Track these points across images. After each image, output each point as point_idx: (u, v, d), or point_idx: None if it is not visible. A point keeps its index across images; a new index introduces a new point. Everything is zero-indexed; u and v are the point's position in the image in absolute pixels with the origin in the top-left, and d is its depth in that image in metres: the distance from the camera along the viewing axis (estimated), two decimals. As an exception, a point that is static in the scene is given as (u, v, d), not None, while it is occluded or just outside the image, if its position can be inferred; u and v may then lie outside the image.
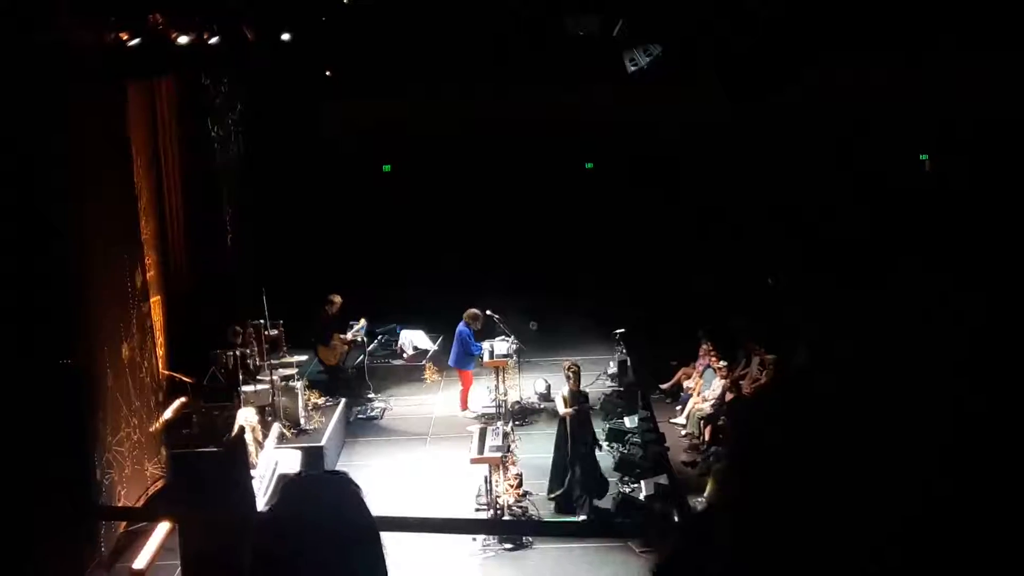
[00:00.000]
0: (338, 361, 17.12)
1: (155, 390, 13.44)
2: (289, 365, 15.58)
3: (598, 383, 17.29)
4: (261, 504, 11.04)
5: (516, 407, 16.11)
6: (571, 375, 13.35)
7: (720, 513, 1.18)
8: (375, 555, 2.22)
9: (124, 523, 11.90)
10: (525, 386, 16.81)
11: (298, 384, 15.20)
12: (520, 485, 12.84)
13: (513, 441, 13.85)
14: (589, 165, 22.67)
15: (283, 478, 12.55)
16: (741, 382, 15.83)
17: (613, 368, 17.37)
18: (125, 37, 12.21)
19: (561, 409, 13.14)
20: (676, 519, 11.85)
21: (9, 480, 9.48)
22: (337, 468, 14.23)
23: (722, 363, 15.57)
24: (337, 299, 17.01)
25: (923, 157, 22.26)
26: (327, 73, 17.92)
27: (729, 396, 15.02)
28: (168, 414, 13.84)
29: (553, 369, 17.94)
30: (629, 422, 15.03)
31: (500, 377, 15.63)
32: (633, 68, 14.80)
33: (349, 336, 17.30)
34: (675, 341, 17.46)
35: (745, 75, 10.03)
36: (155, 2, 12.44)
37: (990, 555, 1.03)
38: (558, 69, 18.34)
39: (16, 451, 9.70)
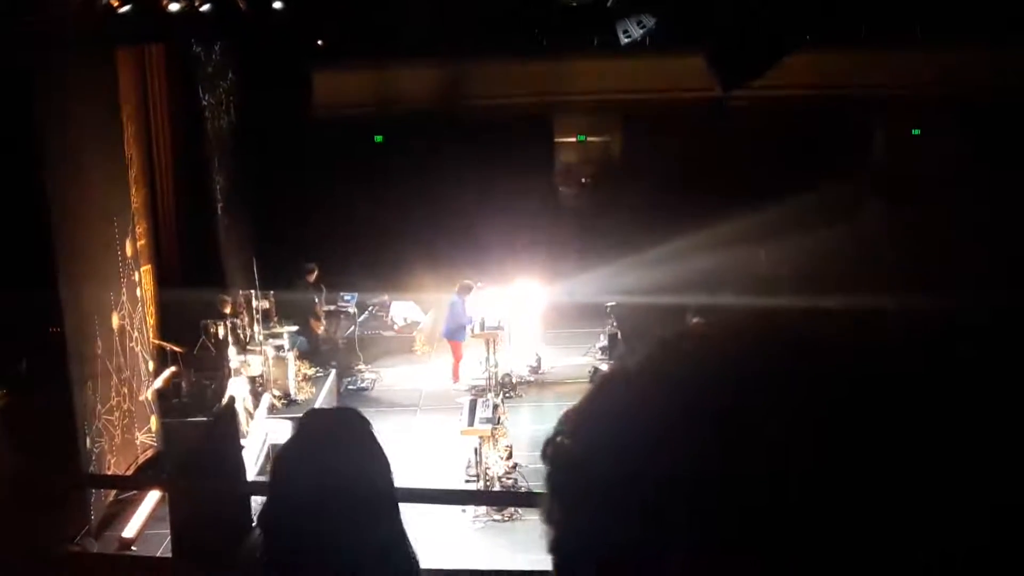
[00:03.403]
0: (326, 332, 17.13)
1: (145, 359, 13.42)
2: (280, 335, 15.57)
3: (588, 356, 17.36)
4: (252, 475, 11.06)
5: (506, 379, 16.13)
6: None
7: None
8: (390, 502, 2.32)
9: (114, 491, 11.91)
10: (515, 358, 16.83)
11: (289, 354, 15.20)
12: (510, 456, 12.86)
13: (503, 413, 13.87)
14: (581, 137, 22.64)
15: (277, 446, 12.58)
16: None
17: (604, 341, 17.39)
18: (116, 3, 12.10)
19: None
20: None
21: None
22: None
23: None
24: (315, 269, 17.06)
25: (915, 132, 22.27)
26: (319, 42, 17.80)
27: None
28: (158, 383, 13.83)
29: (544, 340, 17.98)
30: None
31: (491, 349, 15.65)
32: (627, 40, 14.73)
33: (326, 307, 17.35)
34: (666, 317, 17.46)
35: (736, 59, 10.00)
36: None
37: None
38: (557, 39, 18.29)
39: (5, 421, 9.69)
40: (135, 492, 11.84)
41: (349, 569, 2.17)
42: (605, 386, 0.92)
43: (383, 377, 17.17)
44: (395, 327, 18.66)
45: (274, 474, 2.35)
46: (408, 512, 2.47)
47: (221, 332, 14.70)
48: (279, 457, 2.38)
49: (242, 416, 12.59)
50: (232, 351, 14.44)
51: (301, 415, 2.51)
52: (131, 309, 12.94)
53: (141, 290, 13.68)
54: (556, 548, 0.89)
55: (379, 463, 2.32)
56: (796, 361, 0.85)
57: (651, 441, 0.83)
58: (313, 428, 2.39)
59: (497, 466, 12.65)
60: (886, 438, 0.81)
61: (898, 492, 0.79)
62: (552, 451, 0.92)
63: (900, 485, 0.79)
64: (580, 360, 17.25)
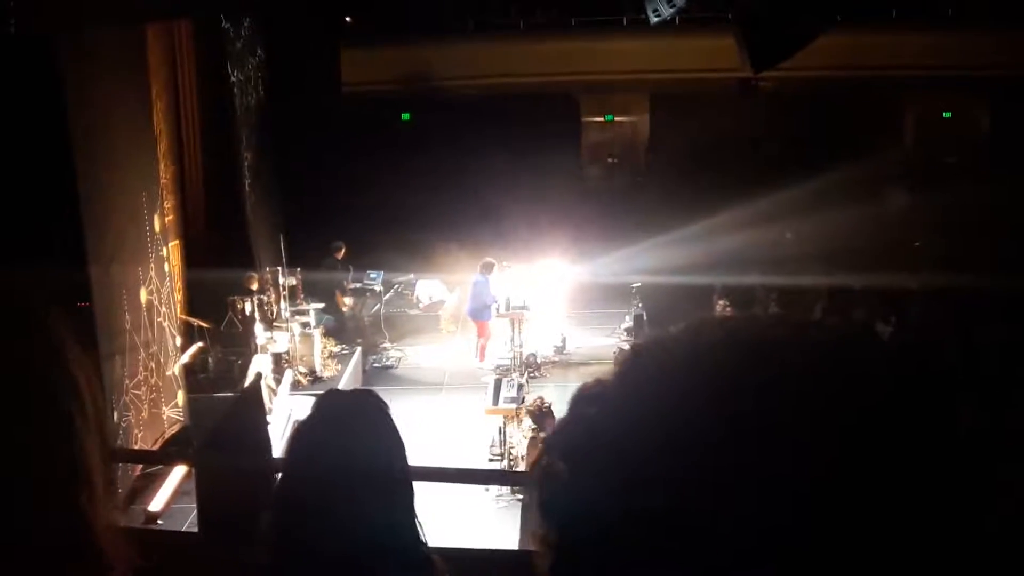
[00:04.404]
0: (350, 308, 17.19)
1: (172, 335, 13.50)
2: (306, 312, 15.63)
3: (614, 336, 17.34)
4: (277, 451, 11.12)
5: (531, 359, 16.14)
6: (545, 413, 10.73)
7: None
8: (402, 477, 2.33)
9: (140, 466, 12.00)
10: (540, 338, 16.83)
11: (315, 332, 15.25)
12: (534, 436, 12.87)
13: (527, 393, 13.87)
14: (609, 117, 22.56)
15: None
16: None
17: (628, 322, 17.37)
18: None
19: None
20: None
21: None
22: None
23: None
24: (342, 246, 17.11)
25: (946, 115, 22.10)
26: (347, 19, 17.79)
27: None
28: (185, 359, 13.92)
29: (569, 320, 17.97)
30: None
31: (515, 329, 15.65)
32: (656, 19, 14.66)
33: (352, 285, 17.39)
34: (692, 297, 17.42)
35: (767, 40, 9.92)
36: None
37: None
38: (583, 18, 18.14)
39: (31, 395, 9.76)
40: (161, 466, 11.92)
41: (357, 549, 2.19)
42: (581, 403, 0.89)
43: (408, 355, 17.22)
44: (420, 305, 18.70)
45: (288, 453, 2.38)
46: (431, 490, 2.48)
47: (248, 308, 14.77)
48: (294, 436, 2.40)
49: (265, 393, 12.64)
50: (259, 327, 14.51)
51: (319, 395, 2.55)
52: (159, 284, 13.00)
53: (169, 265, 13.75)
54: (553, 570, 0.86)
55: (392, 446, 2.34)
56: (771, 357, 0.82)
57: (634, 458, 0.80)
58: (328, 409, 2.41)
59: (521, 446, 12.66)
60: (911, 446, 0.77)
61: (935, 505, 0.76)
62: (543, 475, 0.88)
63: (936, 498, 0.76)
64: (605, 340, 17.23)
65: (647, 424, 0.81)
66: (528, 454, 10.33)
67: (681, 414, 0.80)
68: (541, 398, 11.71)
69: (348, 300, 17.21)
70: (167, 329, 13.26)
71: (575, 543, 0.84)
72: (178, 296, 14.47)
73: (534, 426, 10.47)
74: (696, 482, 0.77)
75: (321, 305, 16.36)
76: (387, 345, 17.31)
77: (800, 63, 10.95)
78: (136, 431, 11.93)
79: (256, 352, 14.14)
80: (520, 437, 12.67)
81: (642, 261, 17.92)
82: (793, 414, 0.77)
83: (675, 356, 0.86)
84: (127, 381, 11.75)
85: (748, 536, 0.75)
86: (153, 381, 12.55)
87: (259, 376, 12.55)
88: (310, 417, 2.38)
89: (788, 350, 0.82)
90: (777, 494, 0.75)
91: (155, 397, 12.59)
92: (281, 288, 15.42)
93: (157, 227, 13.06)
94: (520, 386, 13.47)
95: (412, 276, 19.04)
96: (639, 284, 17.52)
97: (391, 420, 2.38)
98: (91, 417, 1.30)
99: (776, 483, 0.76)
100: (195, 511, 7.28)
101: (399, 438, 2.36)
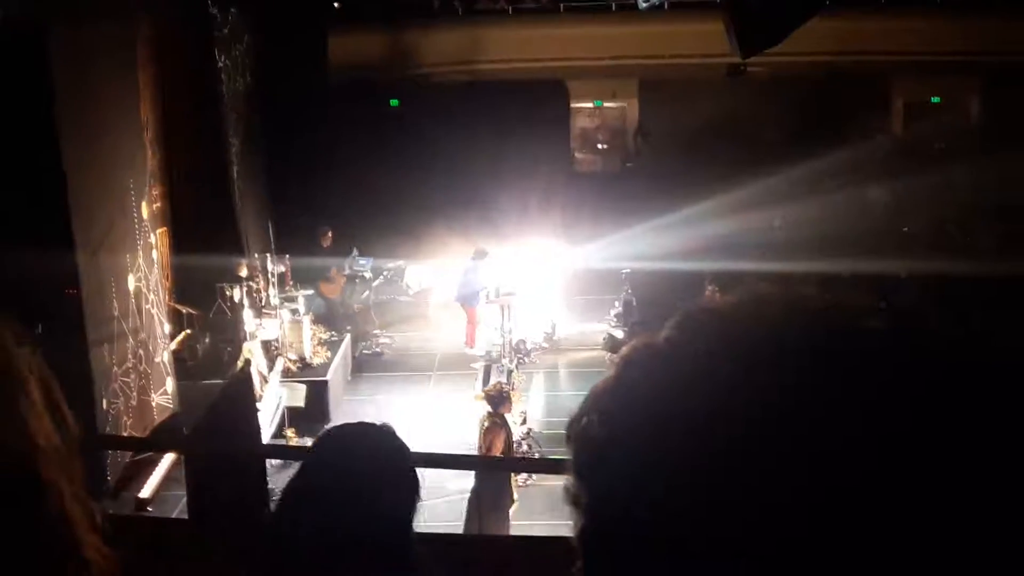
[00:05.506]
0: (339, 295, 17.14)
1: (161, 322, 13.48)
2: (295, 299, 15.60)
3: (603, 323, 17.34)
4: (266, 438, 11.11)
5: (521, 345, 16.14)
6: (504, 397, 10.56)
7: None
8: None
9: (130, 453, 11.98)
10: (530, 324, 16.83)
11: (304, 319, 15.23)
12: (524, 422, 12.88)
13: (517, 379, 13.88)
14: (598, 103, 22.54)
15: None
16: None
17: (618, 307, 17.38)
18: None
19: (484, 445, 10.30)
20: None
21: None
22: (352, 406, 14.35)
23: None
24: (329, 232, 17.05)
25: (935, 100, 22.13)
26: (335, 4, 17.72)
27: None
28: (174, 346, 13.88)
29: (559, 306, 17.96)
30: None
31: (505, 315, 15.65)
32: (645, 5, 14.65)
33: (347, 271, 17.32)
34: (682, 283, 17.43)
35: (755, 25, 9.88)
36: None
37: None
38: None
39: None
40: (151, 453, 11.91)
41: (344, 549, 2.04)
42: (630, 364, 0.87)
43: (397, 342, 17.20)
44: (410, 292, 18.68)
45: (282, 506, 2.15)
46: (421, 477, 2.34)
47: (237, 295, 14.74)
48: (289, 491, 2.16)
49: (255, 380, 12.62)
50: (248, 314, 14.48)
51: (329, 432, 2.35)
52: (147, 271, 12.97)
53: (157, 253, 13.71)
54: (582, 532, 0.84)
55: (403, 503, 2.14)
56: (832, 336, 0.79)
57: (681, 423, 0.78)
58: (340, 454, 2.17)
59: (514, 430, 12.66)
60: (952, 429, 0.73)
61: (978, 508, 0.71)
62: (577, 432, 0.86)
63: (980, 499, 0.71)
64: (595, 327, 17.24)
65: (697, 395, 0.79)
66: (483, 439, 10.34)
67: (736, 388, 0.77)
68: (500, 383, 11.63)
69: (335, 286, 17.14)
70: (155, 316, 13.23)
71: (605, 506, 0.82)
72: (166, 283, 14.44)
73: (490, 410, 10.49)
74: (742, 458, 0.75)
75: (311, 292, 16.32)
76: (377, 332, 17.30)
77: (789, 48, 10.94)
78: (125, 418, 11.91)
79: (245, 339, 14.11)
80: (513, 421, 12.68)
81: (632, 247, 17.91)
82: (792, 426, 0.75)
83: (737, 326, 0.83)
84: (115, 368, 11.73)
85: (789, 517, 0.73)
86: (142, 368, 12.52)
87: (248, 363, 12.53)
88: (319, 459, 2.20)
89: (783, 350, 0.79)
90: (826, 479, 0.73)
91: (144, 384, 12.57)
92: (270, 275, 15.38)
93: (145, 214, 13.02)
94: (510, 372, 13.48)
95: (402, 262, 19.01)
96: (629, 270, 17.51)
97: (403, 468, 2.19)
98: (45, 418, 1.24)
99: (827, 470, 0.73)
100: (185, 498, 7.27)
101: (416, 484, 2.16)
